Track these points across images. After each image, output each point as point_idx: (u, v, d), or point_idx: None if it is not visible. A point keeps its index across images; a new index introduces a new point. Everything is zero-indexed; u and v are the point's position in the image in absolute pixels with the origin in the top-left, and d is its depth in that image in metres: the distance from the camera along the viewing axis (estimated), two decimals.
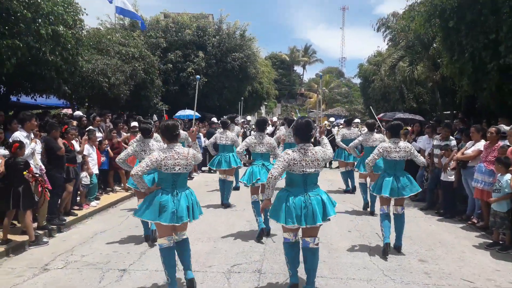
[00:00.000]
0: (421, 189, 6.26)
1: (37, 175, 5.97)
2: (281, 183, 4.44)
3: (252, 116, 35.57)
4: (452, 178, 7.77)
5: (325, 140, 4.58)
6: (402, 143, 5.66)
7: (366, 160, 5.78)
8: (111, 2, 16.10)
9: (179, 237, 4.33)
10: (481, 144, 7.15)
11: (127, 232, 6.54)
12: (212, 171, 12.78)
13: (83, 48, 9.71)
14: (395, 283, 4.59)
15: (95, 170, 8.22)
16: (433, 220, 7.74)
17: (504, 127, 7.04)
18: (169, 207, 4.06)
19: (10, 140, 6.02)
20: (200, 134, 13.24)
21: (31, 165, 5.85)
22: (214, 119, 16.92)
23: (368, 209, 8.11)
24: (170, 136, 4.23)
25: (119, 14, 17.11)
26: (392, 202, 5.69)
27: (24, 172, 5.63)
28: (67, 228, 6.81)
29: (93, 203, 8.14)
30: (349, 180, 10.33)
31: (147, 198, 4.22)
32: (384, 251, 5.43)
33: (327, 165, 15.94)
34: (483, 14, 7.95)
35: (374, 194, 5.84)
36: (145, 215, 4.13)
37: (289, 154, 4.05)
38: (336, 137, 11.60)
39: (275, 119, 16.09)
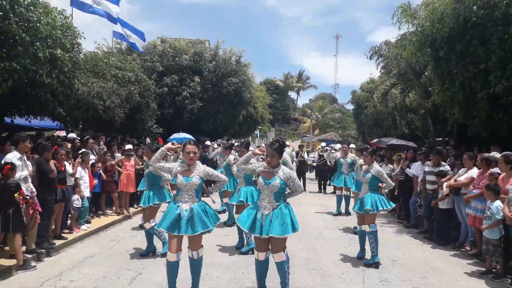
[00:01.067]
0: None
1: (28, 197, 5.91)
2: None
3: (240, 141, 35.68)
4: (446, 205, 7.77)
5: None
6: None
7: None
8: (115, 23, 16.22)
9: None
10: (474, 172, 7.22)
11: (118, 257, 6.44)
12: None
13: (79, 71, 9.80)
14: None
15: (86, 193, 8.15)
16: (426, 247, 7.71)
17: (496, 155, 7.13)
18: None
19: (2, 162, 5.98)
20: None
21: (22, 187, 5.79)
22: (208, 143, 16.93)
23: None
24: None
25: (117, 38, 17.33)
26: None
27: (15, 194, 5.56)
28: (57, 252, 6.69)
29: (84, 227, 8.02)
30: (343, 203, 10.80)
31: None
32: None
33: (322, 191, 15.93)
34: (472, 44, 8.18)
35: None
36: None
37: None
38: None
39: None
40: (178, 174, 4.55)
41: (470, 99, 8.65)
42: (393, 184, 6.87)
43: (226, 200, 8.54)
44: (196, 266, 4.61)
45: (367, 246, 6.42)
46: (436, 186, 8.05)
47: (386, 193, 11.85)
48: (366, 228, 6.31)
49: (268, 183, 4.43)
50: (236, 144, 11.90)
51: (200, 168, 4.65)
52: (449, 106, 10.03)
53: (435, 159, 8.33)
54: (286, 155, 9.36)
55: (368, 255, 6.43)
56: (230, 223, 8.92)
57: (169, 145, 4.87)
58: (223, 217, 9.29)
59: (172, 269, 4.47)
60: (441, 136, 15.13)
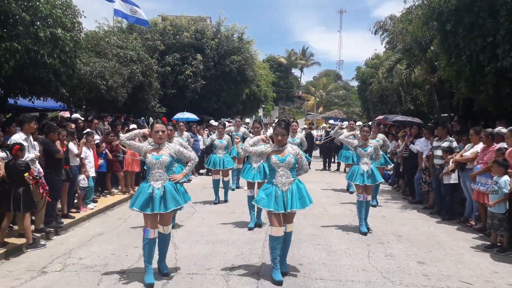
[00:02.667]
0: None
1: (38, 177, 5.95)
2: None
3: (249, 119, 35.59)
4: (454, 181, 7.75)
5: None
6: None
7: None
8: (110, 1, 16.02)
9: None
10: (480, 147, 7.18)
11: (125, 235, 6.52)
12: (210, 173, 12.79)
13: (81, 51, 9.69)
14: (394, 285, 4.59)
15: (92, 172, 8.20)
16: (432, 222, 7.75)
17: (502, 130, 7.07)
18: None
19: (9, 143, 6.00)
20: (199, 136, 13.22)
21: (31, 167, 5.83)
22: (212, 122, 16.90)
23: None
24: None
25: (118, 16, 17.08)
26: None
27: (25, 174, 5.61)
28: (65, 231, 6.79)
29: (91, 206, 8.11)
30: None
31: None
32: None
33: (327, 168, 15.97)
34: (480, 17, 7.98)
35: None
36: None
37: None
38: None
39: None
40: (147, 153, 4.62)
41: (477, 73, 8.51)
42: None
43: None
44: (166, 240, 4.80)
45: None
46: (443, 161, 8.02)
47: (391, 169, 11.96)
48: (369, 198, 6.90)
49: (283, 160, 4.65)
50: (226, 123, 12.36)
51: (170, 146, 4.76)
52: (455, 80, 9.88)
53: (441, 132, 8.28)
54: (301, 135, 9.53)
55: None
56: (234, 186, 9.50)
57: (145, 131, 4.89)
58: (234, 196, 9.39)
59: (150, 246, 4.59)
60: (446, 112, 15.00)
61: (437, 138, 8.46)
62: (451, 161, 7.65)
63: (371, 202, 8.55)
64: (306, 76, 74.97)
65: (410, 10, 11.83)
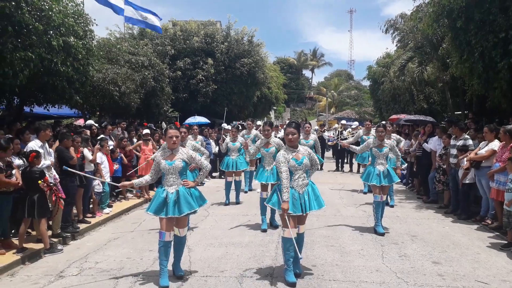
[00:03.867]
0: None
1: (52, 184, 6.07)
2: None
3: (261, 121, 35.57)
4: (470, 181, 7.65)
5: None
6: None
7: None
8: (119, 14, 16.26)
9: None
10: (494, 144, 7.09)
11: (140, 239, 6.60)
12: (223, 176, 12.86)
13: (93, 58, 9.86)
14: (408, 286, 4.56)
15: (107, 178, 8.32)
16: (446, 221, 7.66)
17: None
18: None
19: (25, 150, 6.14)
20: (210, 140, 13.30)
21: (46, 174, 5.95)
22: (225, 125, 16.97)
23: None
24: None
25: (129, 23, 17.28)
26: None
27: (39, 181, 5.73)
28: (81, 235, 6.90)
29: (106, 210, 8.23)
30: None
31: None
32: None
33: (340, 169, 15.87)
34: (491, 13, 7.90)
35: None
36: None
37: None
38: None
39: (259, 122, 16.36)
40: (161, 160, 4.71)
41: (490, 70, 8.41)
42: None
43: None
44: (181, 243, 4.86)
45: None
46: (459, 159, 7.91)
47: (405, 169, 11.84)
48: (384, 198, 6.84)
49: (300, 163, 4.67)
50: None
51: (183, 151, 4.81)
52: (468, 77, 9.78)
53: (456, 131, 8.19)
54: (314, 136, 9.57)
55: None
56: (246, 189, 9.51)
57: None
58: (246, 198, 9.44)
59: (166, 248, 4.67)
60: (460, 110, 14.82)
61: (453, 136, 8.36)
62: (465, 159, 7.55)
63: (389, 203, 8.55)
64: (317, 77, 75.08)
65: (420, 8, 11.75)
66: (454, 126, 8.37)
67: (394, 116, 16.59)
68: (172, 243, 4.74)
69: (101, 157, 8.13)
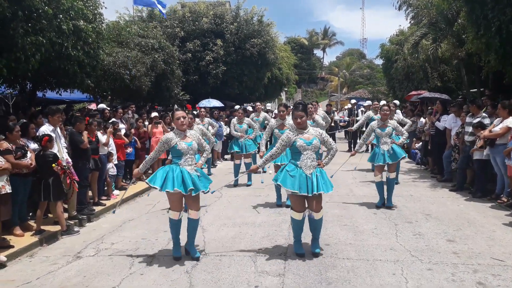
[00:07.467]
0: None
1: (65, 167, 6.15)
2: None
3: (272, 103, 35.41)
4: (485, 157, 7.50)
5: None
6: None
7: None
8: None
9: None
10: (509, 121, 6.92)
11: (155, 220, 6.69)
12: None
13: (103, 42, 9.82)
14: (423, 263, 4.54)
15: (114, 160, 8.38)
16: (461, 200, 7.59)
17: None
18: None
19: (38, 134, 6.21)
20: (221, 122, 13.28)
21: (59, 158, 6.02)
22: (237, 107, 16.91)
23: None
24: None
25: (137, 5, 17.19)
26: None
27: (53, 165, 5.81)
28: (96, 217, 7.02)
29: (116, 192, 8.37)
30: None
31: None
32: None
33: (352, 150, 15.68)
34: None
35: None
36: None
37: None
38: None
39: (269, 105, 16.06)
40: (178, 142, 4.72)
41: (507, 44, 8.14)
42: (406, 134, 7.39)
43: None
44: (195, 226, 4.89)
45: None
46: (474, 137, 7.77)
47: (419, 148, 11.68)
48: (392, 175, 7.02)
49: (309, 143, 4.69)
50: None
51: (193, 134, 4.95)
52: (484, 53, 9.51)
53: (472, 108, 8.03)
54: (317, 117, 9.31)
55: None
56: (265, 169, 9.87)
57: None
58: (259, 179, 9.45)
59: (176, 226, 4.83)
60: (475, 87, 14.47)
61: (470, 114, 8.19)
62: (480, 137, 7.41)
63: (395, 181, 8.44)
64: (328, 57, 73.95)
65: None
66: (471, 103, 8.20)
67: (413, 93, 16.29)
68: (186, 226, 4.82)
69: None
